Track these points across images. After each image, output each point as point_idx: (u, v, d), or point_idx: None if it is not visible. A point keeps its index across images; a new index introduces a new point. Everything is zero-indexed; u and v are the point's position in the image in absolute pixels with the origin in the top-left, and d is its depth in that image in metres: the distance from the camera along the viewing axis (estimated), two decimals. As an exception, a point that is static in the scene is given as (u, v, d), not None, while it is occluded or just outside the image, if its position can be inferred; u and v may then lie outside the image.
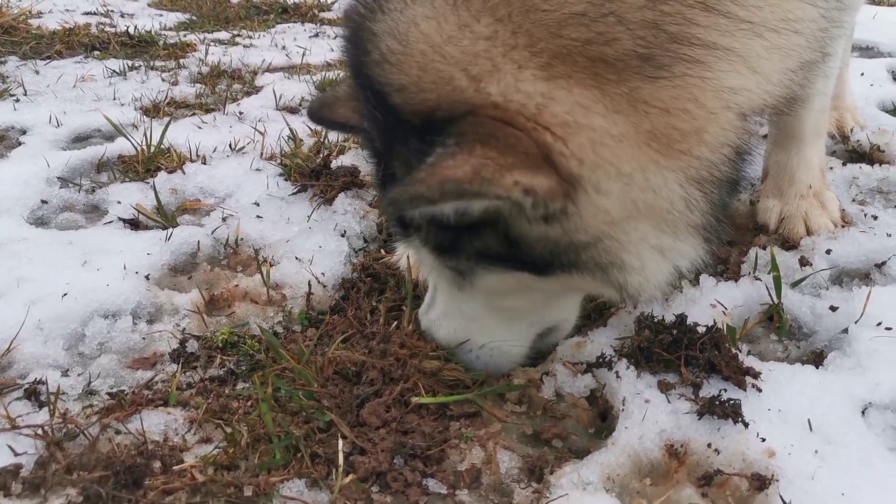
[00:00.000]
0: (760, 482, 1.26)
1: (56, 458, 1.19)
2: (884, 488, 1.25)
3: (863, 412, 1.42)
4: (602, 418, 1.44)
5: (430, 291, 1.50)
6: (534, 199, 1.06)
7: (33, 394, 1.35)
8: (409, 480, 1.24)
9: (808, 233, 2.01)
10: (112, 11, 3.95)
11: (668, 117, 1.11)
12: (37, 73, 3.05)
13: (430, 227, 1.22)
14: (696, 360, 1.46)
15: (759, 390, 1.43)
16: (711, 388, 1.42)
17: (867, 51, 3.83)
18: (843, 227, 2.07)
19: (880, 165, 2.44)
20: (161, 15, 3.96)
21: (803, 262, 1.90)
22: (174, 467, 1.19)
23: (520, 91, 1.08)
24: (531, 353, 1.51)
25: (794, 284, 1.82)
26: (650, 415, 1.36)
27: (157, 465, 1.20)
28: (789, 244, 2.01)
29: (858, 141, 2.61)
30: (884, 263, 1.91)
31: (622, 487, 1.26)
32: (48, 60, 3.17)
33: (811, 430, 1.35)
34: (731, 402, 1.36)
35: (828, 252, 1.95)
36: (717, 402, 1.37)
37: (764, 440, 1.32)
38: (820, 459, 1.29)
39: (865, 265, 1.93)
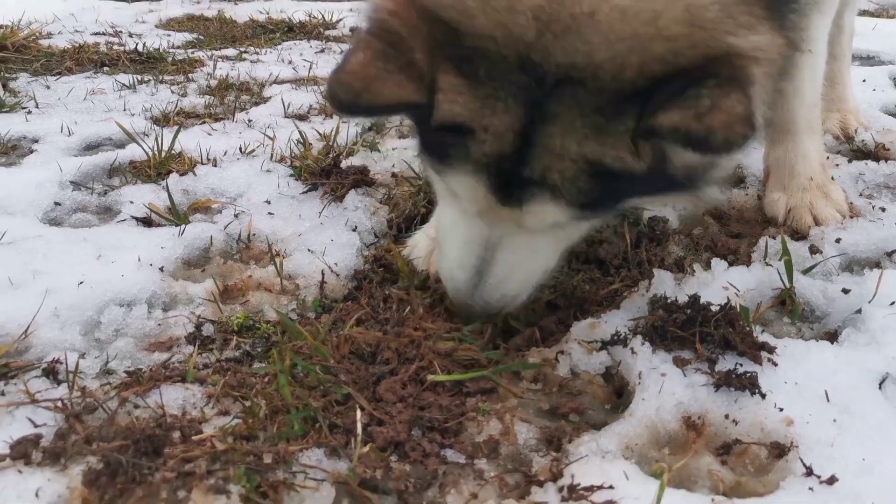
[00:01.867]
0: (780, 450, 1.26)
1: (75, 429, 1.20)
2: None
3: (880, 385, 1.41)
4: (618, 395, 1.43)
5: (471, 273, 1.43)
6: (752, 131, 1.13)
7: (51, 372, 1.35)
8: (428, 450, 1.23)
9: (816, 223, 2.02)
10: (121, 32, 4.01)
11: None
12: (48, 87, 3.09)
13: (593, 181, 1.23)
14: (710, 336, 1.47)
15: (775, 364, 1.43)
16: (727, 363, 1.42)
17: (868, 59, 3.87)
18: (851, 217, 2.09)
19: (886, 162, 2.46)
20: (169, 35, 4.01)
21: (813, 251, 1.91)
22: (193, 437, 1.19)
23: (754, 42, 1.18)
24: None
25: (806, 271, 1.83)
26: (667, 388, 1.36)
27: (176, 435, 1.20)
28: (798, 235, 2.02)
29: (863, 140, 2.63)
30: (894, 252, 1.92)
31: (641, 456, 1.26)
32: (59, 76, 3.21)
33: (828, 401, 1.35)
34: (748, 374, 1.37)
35: (837, 241, 1.96)
36: (733, 375, 1.37)
37: (782, 410, 1.32)
38: (838, 428, 1.29)
39: (875, 253, 1.94)
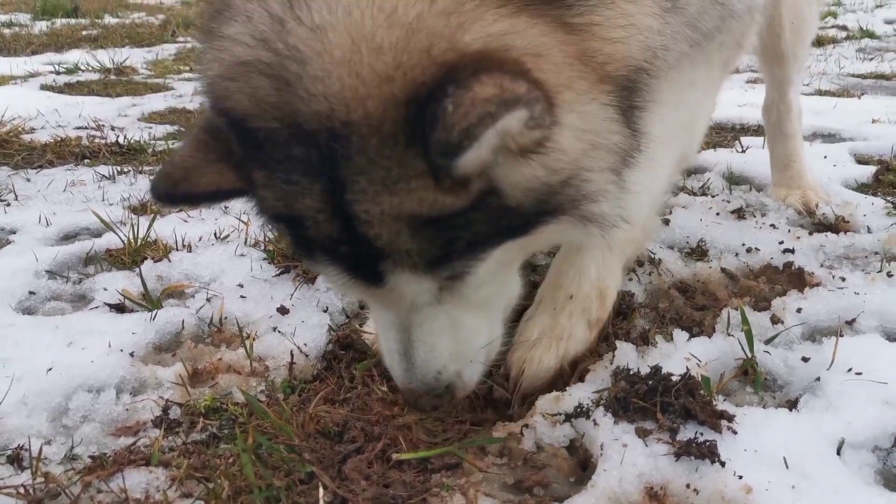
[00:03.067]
0: (740, 517, 1.27)
1: (37, 515, 1.20)
2: (862, 519, 1.26)
3: (838, 450, 1.44)
4: (583, 467, 1.45)
5: (397, 358, 1.42)
6: (539, 108, 1.04)
7: (16, 459, 1.36)
8: (391, 528, 1.24)
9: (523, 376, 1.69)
10: (103, 125, 4.09)
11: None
12: (28, 180, 3.14)
13: (419, 239, 1.16)
14: (671, 406, 1.49)
15: (735, 432, 1.45)
16: (688, 432, 1.44)
17: (830, 137, 3.99)
18: (812, 287, 2.14)
19: (846, 234, 2.52)
20: (151, 127, 4.10)
21: (775, 321, 1.95)
22: (155, 520, 1.19)
23: (489, 32, 1.10)
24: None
25: (768, 341, 1.86)
26: (628, 458, 1.38)
27: (137, 518, 1.20)
28: (761, 306, 2.07)
29: (824, 214, 2.70)
30: (854, 320, 1.97)
31: (603, 527, 1.27)
32: (39, 169, 3.27)
33: (787, 467, 1.37)
34: (708, 442, 1.39)
35: (798, 311, 2.00)
36: (693, 444, 1.39)
37: (741, 477, 1.33)
38: (797, 494, 1.31)
39: (836, 322, 1.98)
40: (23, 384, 1.60)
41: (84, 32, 8.51)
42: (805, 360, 1.73)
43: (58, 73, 5.77)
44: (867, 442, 1.47)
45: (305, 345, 1.80)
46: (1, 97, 4.72)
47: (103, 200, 2.87)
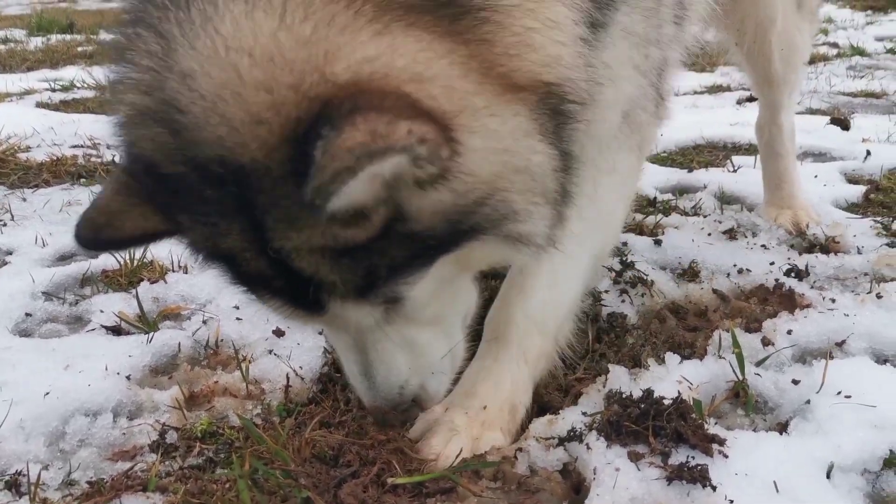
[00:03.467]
0: (731, 541, 1.29)
1: (35, 541, 1.21)
2: (852, 543, 1.28)
3: (827, 474, 1.46)
4: (576, 491, 1.46)
5: (359, 378, 1.45)
6: (428, 147, 1.00)
7: (14, 485, 1.37)
8: (386, 553, 1.25)
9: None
10: (99, 144, 4.11)
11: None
12: (24, 200, 3.16)
13: (337, 270, 1.17)
14: (663, 430, 1.51)
15: (726, 456, 1.47)
16: (679, 455, 1.46)
17: (820, 156, 4.03)
18: (802, 309, 2.16)
19: (836, 255, 2.56)
20: (146, 146, 4.12)
21: (765, 342, 1.97)
22: (152, 546, 1.21)
23: (362, 58, 1.06)
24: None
25: (759, 363, 1.89)
26: (621, 482, 1.39)
27: (135, 545, 1.21)
28: (753, 327, 2.09)
29: (815, 234, 2.73)
30: (843, 342, 1.99)
31: (596, 552, 1.28)
32: (35, 188, 3.29)
33: (777, 491, 1.39)
34: (699, 466, 1.40)
35: (789, 332, 2.02)
36: (685, 468, 1.40)
37: (732, 502, 1.35)
38: (787, 518, 1.33)
39: (826, 344, 2.00)
40: (20, 408, 1.61)
41: (79, 49, 8.54)
42: (795, 382, 1.75)
43: (53, 90, 5.79)
44: (856, 465, 1.49)
45: (301, 367, 1.82)
46: (-3, 115, 4.80)
47: (100, 220, 2.88)
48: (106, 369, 1.79)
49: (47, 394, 1.66)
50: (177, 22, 1.13)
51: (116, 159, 3.64)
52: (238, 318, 2.06)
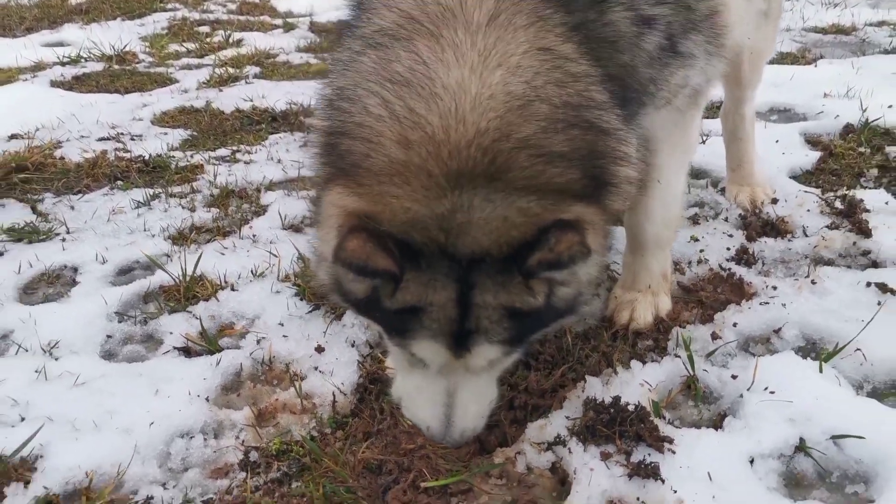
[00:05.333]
0: (673, 523, 1.78)
1: (177, 555, 1.70)
2: (761, 519, 1.77)
3: (751, 463, 1.94)
4: (562, 483, 1.95)
5: (438, 408, 1.89)
6: (584, 258, 1.63)
7: (147, 506, 1.86)
8: (425, 546, 1.75)
9: (633, 319, 2.51)
10: (122, 134, 4.46)
11: None
12: (72, 208, 3.55)
13: (511, 323, 1.71)
14: (626, 432, 1.99)
15: (674, 452, 1.95)
16: (639, 453, 1.94)
17: (784, 113, 4.40)
18: (748, 299, 2.62)
19: (783, 237, 2.99)
20: (166, 133, 4.48)
21: (714, 336, 2.43)
22: (260, 554, 1.70)
23: (570, 210, 1.67)
24: None
25: (709, 355, 2.35)
26: (594, 480, 1.88)
27: (248, 553, 1.70)
28: (706, 317, 2.55)
29: (767, 213, 3.16)
30: (780, 329, 2.45)
31: (576, 536, 1.78)
32: (80, 195, 3.68)
33: (711, 480, 1.87)
34: (652, 464, 1.89)
35: (734, 325, 2.48)
36: (642, 466, 1.89)
37: (676, 492, 1.84)
38: (717, 502, 1.81)
39: (766, 332, 2.46)
40: (133, 436, 2.08)
41: (74, 2, 8.66)
42: (734, 377, 2.22)
43: (63, 64, 6.05)
44: (773, 452, 1.97)
45: (343, 384, 2.28)
46: (17, 100, 5.12)
47: (145, 230, 3.30)
48: (189, 393, 2.25)
49: (152, 423, 2.12)
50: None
51: (145, 157, 4.02)
52: (284, 336, 2.52)
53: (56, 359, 2.47)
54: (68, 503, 1.92)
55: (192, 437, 2.11)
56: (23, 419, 2.18)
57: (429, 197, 1.61)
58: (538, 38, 1.68)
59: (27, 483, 1.95)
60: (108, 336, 2.61)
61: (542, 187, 1.63)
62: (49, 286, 2.98)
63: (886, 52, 5.30)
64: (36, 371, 2.38)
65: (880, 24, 6.02)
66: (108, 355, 2.54)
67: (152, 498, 1.89)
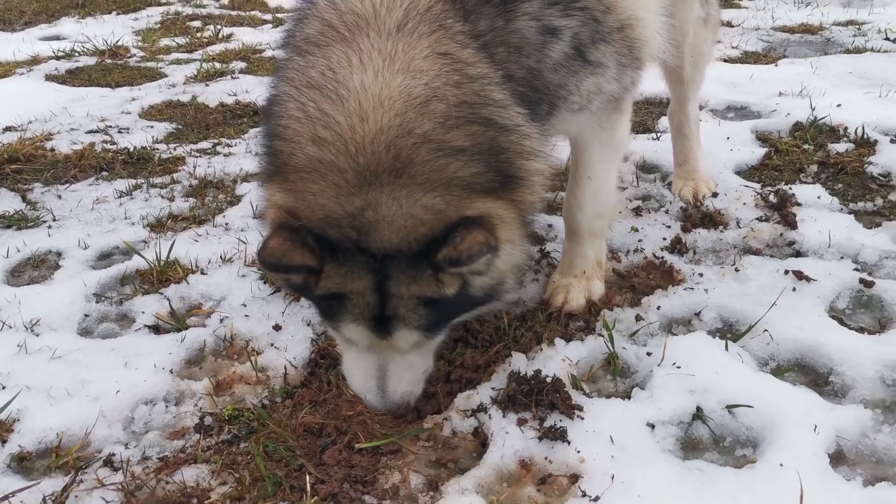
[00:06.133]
0: (574, 479, 2.00)
1: (132, 502, 1.93)
2: (655, 474, 1.99)
3: (651, 428, 2.16)
4: (483, 446, 2.17)
5: (374, 391, 2.11)
6: (495, 250, 1.83)
7: (109, 462, 2.09)
8: (353, 497, 1.97)
9: (567, 302, 2.72)
10: (111, 127, 4.69)
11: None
12: (59, 197, 3.78)
13: (424, 311, 1.91)
14: (542, 401, 2.21)
15: (582, 419, 2.17)
16: (552, 419, 2.16)
17: (740, 111, 4.60)
18: (675, 285, 2.84)
19: (716, 228, 3.21)
20: (152, 126, 4.70)
21: (638, 318, 2.65)
22: (205, 500, 1.93)
23: (475, 207, 1.87)
24: None
25: (632, 335, 2.57)
26: (509, 442, 2.10)
27: (194, 501, 1.94)
28: (634, 301, 2.77)
29: (707, 206, 3.38)
30: (699, 313, 2.67)
31: (489, 490, 2.00)
32: (67, 185, 3.91)
33: (613, 442, 2.09)
34: (560, 428, 2.11)
35: (658, 308, 2.70)
36: (551, 430, 2.11)
37: (579, 451, 2.06)
38: (615, 460, 2.04)
39: (687, 315, 2.69)
40: (101, 403, 2.31)
41: (71, -5, 8.88)
42: (649, 354, 2.44)
43: (58, 58, 6.27)
44: (673, 419, 2.19)
45: (295, 357, 2.51)
46: (13, 94, 5.36)
47: (125, 218, 3.53)
48: (154, 366, 2.48)
49: (118, 391, 2.36)
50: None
51: (129, 149, 4.25)
52: (246, 316, 2.75)
53: (37, 335, 2.71)
54: (40, 460, 2.16)
55: (154, 405, 2.34)
56: (3, 387, 2.41)
57: (341, 195, 1.82)
58: (439, 45, 1.89)
59: (4, 442, 2.19)
60: (86, 315, 2.85)
61: (447, 182, 1.83)
62: (35, 270, 3.22)
63: (848, 51, 5.50)
64: (17, 346, 2.62)
65: (847, 23, 6.21)
66: (85, 332, 2.78)
67: (114, 455, 2.12)
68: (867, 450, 2.10)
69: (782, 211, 3.25)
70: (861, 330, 2.57)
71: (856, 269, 2.86)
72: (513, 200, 1.97)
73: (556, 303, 2.73)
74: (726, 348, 2.43)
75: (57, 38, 7.18)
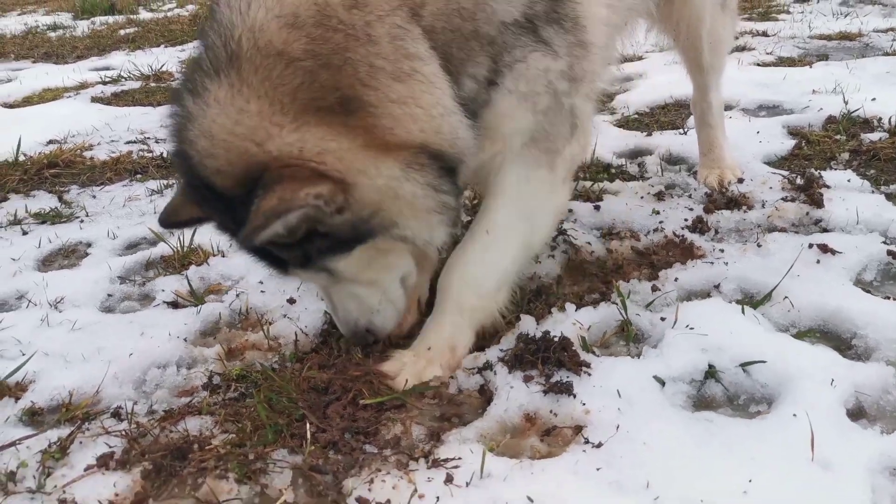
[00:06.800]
0: (578, 430, 1.96)
1: (134, 447, 1.95)
2: (661, 425, 1.94)
3: (662, 385, 2.11)
4: (488, 402, 2.14)
5: (333, 315, 2.24)
6: (324, 199, 1.77)
7: (116, 414, 2.11)
8: (354, 446, 1.96)
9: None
10: (148, 138, 4.82)
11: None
12: (93, 197, 3.89)
13: (285, 252, 1.94)
14: (549, 359, 2.17)
15: (590, 375, 2.13)
16: (559, 376, 2.12)
17: (773, 109, 4.53)
18: (694, 259, 2.78)
19: (739, 209, 3.15)
20: (188, 137, 4.83)
21: (654, 289, 2.60)
22: (206, 447, 1.93)
23: (285, 143, 1.78)
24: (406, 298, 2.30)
25: (647, 305, 2.53)
26: (513, 396, 2.07)
27: (195, 446, 1.94)
28: (652, 275, 2.72)
29: (732, 191, 3.32)
30: (719, 284, 2.61)
31: (491, 440, 1.96)
32: (102, 186, 4.02)
33: (620, 396, 2.04)
34: (566, 382, 2.07)
35: (676, 279, 2.65)
36: (556, 384, 2.07)
37: (584, 404, 2.02)
38: (621, 413, 1.98)
39: (706, 287, 2.63)
40: (114, 365, 2.34)
41: (122, 32, 9.24)
42: (662, 319, 2.39)
43: (104, 83, 6.50)
44: (684, 377, 2.13)
45: (306, 327, 2.52)
46: (60, 114, 5.55)
47: (154, 213, 3.60)
48: (169, 335, 2.51)
49: (131, 354, 2.39)
50: (191, 96, 1.90)
51: (164, 155, 4.36)
52: (262, 291, 2.77)
53: (60, 311, 2.77)
54: (50, 414, 2.19)
55: (166, 368, 2.36)
56: (23, 354, 2.46)
57: None
58: None
59: (18, 399, 2.23)
60: (109, 295, 2.90)
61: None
62: (65, 258, 3.30)
63: (886, 54, 5.40)
64: (40, 319, 2.68)
65: (887, 30, 6.11)
66: (107, 310, 2.83)
67: (121, 407, 2.14)
68: (889, 405, 2.01)
69: (809, 191, 3.18)
70: (888, 299, 2.48)
71: (884, 243, 2.77)
72: (365, 128, 1.85)
73: (386, 371, 2.22)
74: (742, 312, 2.37)
75: (106, 68, 7.43)
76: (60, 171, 4.24)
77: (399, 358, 2.24)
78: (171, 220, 2.18)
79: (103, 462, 1.91)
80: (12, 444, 2.00)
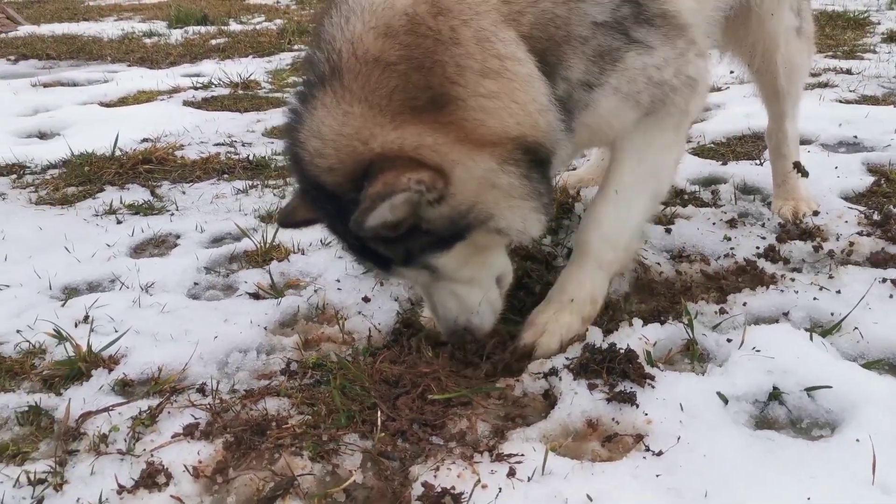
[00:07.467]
0: (639, 438, 2.01)
1: (217, 420, 2.07)
2: (722, 440, 1.98)
3: (725, 402, 2.14)
4: (552, 406, 2.21)
5: (428, 310, 2.34)
6: (425, 185, 1.88)
7: (201, 390, 2.25)
8: (421, 437, 2.05)
9: (536, 346, 2.41)
10: (235, 142, 5.04)
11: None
12: (183, 193, 4.10)
13: (389, 249, 2.05)
14: (614, 370, 2.23)
15: (653, 387, 2.18)
16: (622, 386, 2.18)
17: (854, 145, 4.50)
18: (765, 286, 2.80)
19: (813, 240, 3.15)
20: (272, 143, 5.03)
21: (722, 312, 2.64)
22: (283, 426, 2.05)
23: (387, 140, 1.92)
24: (502, 300, 2.39)
25: (714, 327, 2.56)
26: (577, 401, 2.13)
27: (273, 424, 2.06)
28: (720, 299, 2.75)
29: (807, 223, 3.32)
30: (788, 312, 2.63)
31: (552, 441, 2.03)
32: (191, 183, 4.23)
33: (682, 409, 2.09)
34: (629, 392, 2.13)
35: (744, 304, 2.68)
36: (620, 393, 2.13)
37: (646, 414, 2.07)
38: (682, 425, 2.03)
39: (775, 313, 2.64)
40: (199, 346, 2.48)
41: (213, 42, 9.63)
42: (729, 341, 2.42)
43: (196, 88, 6.80)
44: (748, 396, 2.15)
45: (380, 324, 2.63)
46: (154, 115, 5.84)
47: (240, 210, 3.79)
48: (251, 322, 2.65)
49: (216, 337, 2.53)
50: (301, 104, 2.09)
51: (250, 158, 4.56)
52: (339, 289, 2.89)
53: (150, 294, 2.94)
54: (140, 386, 2.34)
55: (247, 353, 2.50)
56: (116, 331, 2.63)
57: None
58: None
59: (111, 370, 2.39)
60: (196, 283, 3.07)
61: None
62: (155, 248, 3.50)
63: (976, 96, 5.30)
64: (133, 301, 2.85)
65: (980, 73, 5.99)
66: (193, 296, 2.99)
67: (206, 384, 2.27)
68: (959, 439, 2.01)
69: (885, 227, 3.17)
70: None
71: (964, 282, 2.74)
72: (446, 123, 1.97)
73: (525, 340, 2.41)
74: (811, 339, 2.38)
75: (197, 74, 7.76)
76: (153, 167, 4.47)
77: (541, 311, 2.45)
78: (288, 220, 2.37)
79: (189, 431, 2.04)
80: (106, 409, 2.15)
